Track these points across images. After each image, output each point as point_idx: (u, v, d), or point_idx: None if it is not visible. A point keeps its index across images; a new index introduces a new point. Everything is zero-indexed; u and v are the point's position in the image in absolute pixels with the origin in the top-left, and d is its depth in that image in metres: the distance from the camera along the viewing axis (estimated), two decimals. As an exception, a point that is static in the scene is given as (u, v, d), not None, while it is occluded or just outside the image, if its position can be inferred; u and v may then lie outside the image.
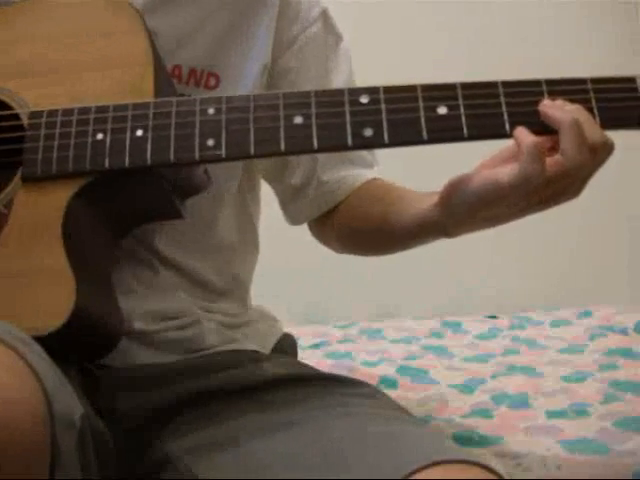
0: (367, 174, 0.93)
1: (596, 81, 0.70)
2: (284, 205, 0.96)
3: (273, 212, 0.98)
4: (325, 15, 0.93)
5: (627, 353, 1.44)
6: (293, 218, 0.96)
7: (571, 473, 0.93)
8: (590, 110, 0.70)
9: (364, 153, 0.93)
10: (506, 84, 0.70)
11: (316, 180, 0.91)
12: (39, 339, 0.62)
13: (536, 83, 0.71)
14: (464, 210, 0.73)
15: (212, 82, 0.84)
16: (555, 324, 1.75)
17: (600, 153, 0.69)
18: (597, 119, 0.70)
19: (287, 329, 0.99)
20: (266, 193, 0.98)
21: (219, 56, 0.85)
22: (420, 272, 2.10)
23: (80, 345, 0.70)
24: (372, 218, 0.88)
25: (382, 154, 0.91)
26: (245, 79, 0.86)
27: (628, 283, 2.18)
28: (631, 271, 2.19)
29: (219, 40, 0.85)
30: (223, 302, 0.88)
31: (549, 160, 0.68)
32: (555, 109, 0.69)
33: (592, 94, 0.70)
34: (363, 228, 0.90)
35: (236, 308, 0.90)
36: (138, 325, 0.79)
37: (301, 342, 1.01)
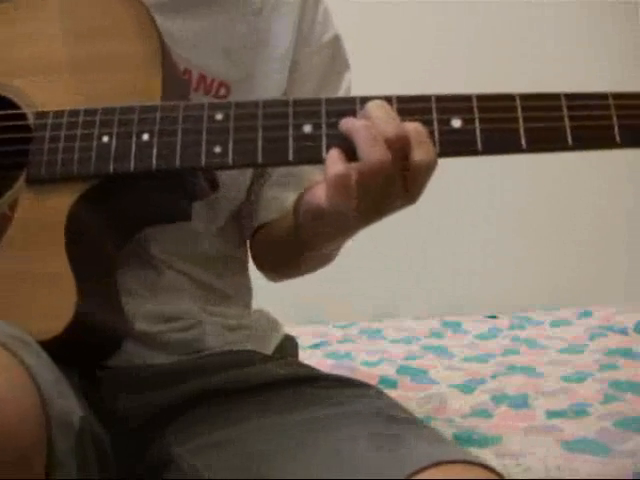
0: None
1: (617, 96, 0.65)
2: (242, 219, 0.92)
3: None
4: (337, 39, 0.91)
5: (627, 353, 1.44)
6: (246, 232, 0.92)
7: (571, 473, 0.94)
8: (611, 128, 0.65)
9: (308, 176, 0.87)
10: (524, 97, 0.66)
11: (258, 196, 0.89)
12: (41, 342, 0.61)
13: (555, 97, 0.66)
14: (306, 223, 0.71)
15: (222, 91, 0.83)
16: (555, 324, 1.76)
17: (402, 148, 0.63)
18: (617, 137, 0.64)
19: (287, 329, 0.99)
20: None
21: (233, 65, 0.83)
22: (420, 272, 2.10)
23: (83, 348, 0.70)
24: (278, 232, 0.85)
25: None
26: (259, 89, 0.84)
27: (628, 283, 2.18)
28: (631, 271, 2.19)
29: (234, 49, 0.84)
30: (225, 305, 0.87)
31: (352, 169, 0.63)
32: (348, 121, 0.65)
33: (613, 110, 0.65)
34: (272, 244, 0.87)
35: (238, 311, 0.89)
36: (140, 326, 0.79)
37: (301, 342, 1.00)
